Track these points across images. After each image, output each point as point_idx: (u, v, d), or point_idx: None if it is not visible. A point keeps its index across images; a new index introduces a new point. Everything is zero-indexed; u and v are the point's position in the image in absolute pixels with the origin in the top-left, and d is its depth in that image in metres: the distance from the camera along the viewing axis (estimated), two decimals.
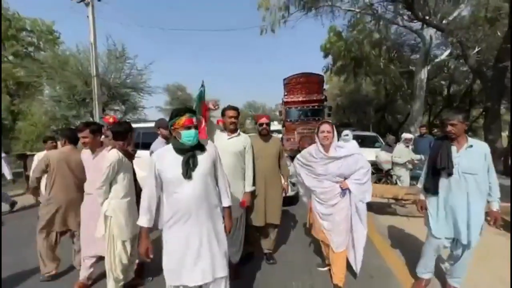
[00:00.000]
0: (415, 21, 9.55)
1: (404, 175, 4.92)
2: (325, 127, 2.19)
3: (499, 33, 7.59)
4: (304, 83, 11.37)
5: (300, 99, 11.20)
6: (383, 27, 12.94)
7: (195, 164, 1.54)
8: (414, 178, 4.97)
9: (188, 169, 1.51)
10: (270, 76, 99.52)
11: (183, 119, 1.52)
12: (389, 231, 3.80)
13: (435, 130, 13.04)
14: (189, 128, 1.52)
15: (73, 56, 10.81)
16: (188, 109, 1.62)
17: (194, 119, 1.56)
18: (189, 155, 1.54)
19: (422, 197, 2.30)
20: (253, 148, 2.55)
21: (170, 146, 1.59)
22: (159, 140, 2.78)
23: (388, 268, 2.69)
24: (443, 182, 2.08)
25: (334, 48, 13.57)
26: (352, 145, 3.99)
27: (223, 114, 2.46)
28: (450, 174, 2.03)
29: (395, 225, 4.02)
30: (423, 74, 11.39)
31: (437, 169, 2.08)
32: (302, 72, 11.42)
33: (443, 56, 12.35)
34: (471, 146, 2.01)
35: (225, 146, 2.31)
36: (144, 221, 1.58)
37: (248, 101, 45.35)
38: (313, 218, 2.38)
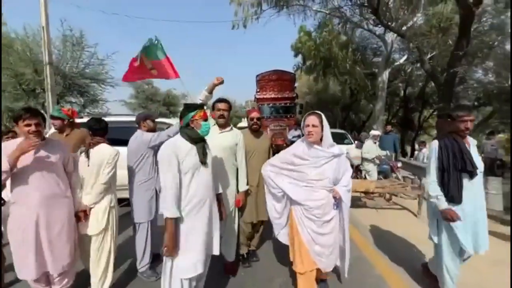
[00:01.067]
0: (379, 26, 10.18)
1: (372, 169, 5.25)
2: (311, 119, 1.80)
3: (450, 42, 8.44)
4: (276, 80, 11.51)
5: (273, 96, 11.31)
6: (349, 29, 13.64)
7: (207, 152, 1.78)
8: (380, 172, 5.36)
9: (204, 156, 1.73)
10: (241, 72, 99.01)
11: (203, 112, 1.77)
12: (361, 223, 4.03)
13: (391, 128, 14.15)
14: (206, 120, 1.76)
15: (20, 40, 9.52)
16: (201, 104, 1.96)
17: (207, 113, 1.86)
18: (203, 144, 1.78)
19: (445, 205, 1.88)
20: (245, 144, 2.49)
21: (178, 137, 1.73)
22: (142, 134, 2.51)
23: (365, 258, 2.84)
24: (466, 186, 1.88)
25: (305, 48, 13.92)
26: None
27: (213, 107, 2.35)
28: (474, 175, 1.84)
29: (366, 216, 4.27)
30: (385, 76, 12.29)
31: (458, 173, 1.86)
32: (275, 70, 11.54)
33: (402, 61, 13.43)
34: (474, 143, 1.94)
35: (216, 141, 2.21)
36: (174, 211, 1.60)
37: (218, 97, 44.39)
38: (297, 248, 1.86)
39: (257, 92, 11.74)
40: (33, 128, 1.69)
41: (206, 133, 1.76)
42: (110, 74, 11.05)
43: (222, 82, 2.29)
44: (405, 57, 13.39)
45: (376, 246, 3.20)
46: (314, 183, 1.80)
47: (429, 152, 2.05)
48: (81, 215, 1.99)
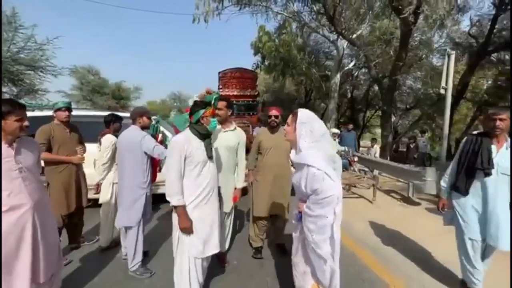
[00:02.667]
0: (333, 32, 11.12)
1: None
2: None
3: (391, 52, 9.75)
4: (239, 78, 11.66)
5: (235, 93, 11.43)
6: (306, 33, 14.55)
7: (212, 148, 1.89)
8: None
9: (211, 151, 1.85)
10: (198, 67, 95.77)
11: (211, 109, 1.88)
12: None
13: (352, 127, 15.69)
14: (214, 116, 1.91)
15: None
16: (209, 102, 2.06)
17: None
18: (210, 140, 1.88)
19: (443, 195, 2.21)
20: (260, 143, 2.66)
21: (188, 132, 1.83)
22: (136, 129, 2.45)
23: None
24: (476, 182, 1.96)
25: (265, 48, 14.34)
26: None
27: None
28: (488, 174, 1.90)
29: None
30: (337, 79, 13.48)
31: (472, 168, 1.95)
32: (237, 67, 11.68)
33: (350, 66, 14.91)
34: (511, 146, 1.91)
35: (219, 139, 2.29)
36: (180, 199, 1.73)
37: (172, 91, 42.34)
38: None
39: (219, 88, 11.72)
40: (26, 122, 1.56)
41: (214, 128, 1.91)
42: (52, 61, 9.74)
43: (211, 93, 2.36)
44: (353, 63, 14.90)
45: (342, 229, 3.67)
46: None
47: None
48: (96, 188, 2.87)
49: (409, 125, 16.27)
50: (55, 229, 1.83)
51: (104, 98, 18.44)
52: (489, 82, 11.75)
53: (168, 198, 1.73)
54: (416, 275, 2.53)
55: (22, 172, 1.52)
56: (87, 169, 3.05)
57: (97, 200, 3.78)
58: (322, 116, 20.65)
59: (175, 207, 1.74)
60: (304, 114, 1.62)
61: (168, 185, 1.72)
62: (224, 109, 2.38)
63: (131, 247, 2.36)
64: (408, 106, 15.25)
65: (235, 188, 2.52)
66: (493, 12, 9.32)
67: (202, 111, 1.81)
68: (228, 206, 2.40)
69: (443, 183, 2.21)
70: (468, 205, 2.01)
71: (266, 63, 17.22)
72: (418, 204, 4.60)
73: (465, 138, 2.11)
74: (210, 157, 1.83)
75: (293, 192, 1.94)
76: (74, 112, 4.11)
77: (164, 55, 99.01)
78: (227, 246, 2.61)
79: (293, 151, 1.66)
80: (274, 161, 2.62)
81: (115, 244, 2.92)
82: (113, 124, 2.96)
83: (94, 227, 3.46)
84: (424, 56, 11.86)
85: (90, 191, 2.99)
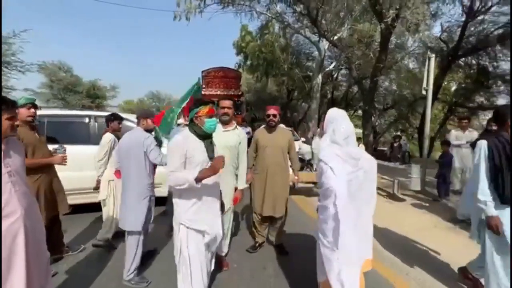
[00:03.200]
0: (316, 34, 11.34)
1: None
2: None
3: (371, 55, 10.12)
4: (222, 77, 11.52)
5: (219, 92, 11.27)
6: (288, 34, 14.72)
7: (213, 149, 1.82)
8: None
9: (212, 151, 1.79)
10: (178, 65, 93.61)
11: (207, 108, 1.75)
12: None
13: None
14: (211, 116, 1.75)
15: None
16: (210, 101, 1.87)
17: (214, 109, 1.83)
18: (211, 140, 1.82)
19: (494, 213, 1.77)
20: (257, 142, 2.62)
21: (187, 133, 1.75)
22: (139, 130, 2.44)
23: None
24: None
25: (249, 48, 14.32)
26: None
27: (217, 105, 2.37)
28: None
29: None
30: (319, 79, 13.79)
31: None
32: (221, 67, 11.54)
33: (331, 67, 15.31)
34: None
35: (219, 139, 2.21)
36: (193, 174, 1.59)
37: (151, 90, 40.96)
38: None
39: (202, 88, 11.54)
40: (17, 122, 1.42)
41: (210, 130, 1.74)
42: (19, 57, 9.02)
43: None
44: (333, 64, 15.31)
45: None
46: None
47: (476, 152, 1.90)
48: (96, 183, 2.97)
49: (388, 124, 17.01)
50: (44, 236, 1.66)
51: (77, 97, 17.35)
52: (458, 84, 12.61)
53: (183, 187, 1.59)
54: (414, 271, 2.62)
55: (11, 176, 1.37)
56: (67, 172, 2.87)
57: (80, 205, 3.58)
58: (303, 117, 21.08)
59: (197, 180, 1.57)
60: (330, 114, 1.72)
61: (174, 180, 1.61)
62: (231, 108, 2.35)
63: (130, 254, 2.23)
64: (385, 107, 15.95)
65: (236, 189, 2.46)
66: (463, 19, 10.04)
67: (195, 110, 1.73)
68: (226, 206, 2.33)
69: (484, 197, 1.80)
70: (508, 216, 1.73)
71: (249, 62, 17.24)
72: (403, 200, 4.80)
73: (485, 143, 1.84)
74: (211, 157, 1.75)
75: (292, 192, 2.03)
76: (43, 112, 3.88)
77: (143, 52, 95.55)
78: (226, 250, 2.53)
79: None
80: (271, 160, 2.63)
81: (108, 248, 2.85)
82: (111, 123, 3.01)
83: (79, 235, 3.23)
84: (399, 59, 12.48)
85: (69, 196, 2.82)
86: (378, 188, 5.69)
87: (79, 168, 3.41)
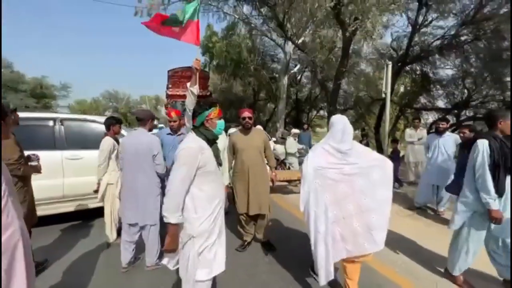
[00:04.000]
0: (282, 37, 11.75)
1: (294, 161, 6.25)
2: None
3: (333, 60, 10.85)
4: (190, 77, 11.19)
5: (186, 93, 11.03)
6: (255, 36, 14.97)
7: (218, 154, 1.77)
8: (301, 163, 6.47)
9: (219, 158, 1.74)
10: (138, 64, 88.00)
11: (218, 109, 1.71)
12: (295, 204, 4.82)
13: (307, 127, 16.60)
14: (220, 118, 1.74)
15: None
16: (216, 101, 1.87)
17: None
18: (216, 145, 1.75)
19: (496, 206, 2.00)
20: (233, 145, 2.73)
21: (198, 139, 1.62)
22: (144, 131, 2.56)
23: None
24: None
25: (216, 48, 14.21)
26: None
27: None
28: None
29: (294, 199, 5.09)
30: (285, 81, 14.30)
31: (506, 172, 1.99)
32: (189, 66, 11.25)
33: (295, 69, 15.98)
34: None
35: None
36: (177, 218, 1.50)
37: (107, 90, 37.97)
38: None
39: (168, 88, 11.13)
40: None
41: (220, 133, 1.74)
42: None
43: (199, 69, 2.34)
44: (297, 67, 16.01)
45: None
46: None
47: (478, 151, 2.06)
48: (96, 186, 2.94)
49: (352, 124, 18.25)
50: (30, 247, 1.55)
51: (19, 96, 15.30)
52: (405, 88, 14.16)
53: (165, 214, 1.47)
54: (393, 256, 2.94)
55: (4, 185, 1.26)
56: (41, 181, 2.70)
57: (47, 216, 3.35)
58: (270, 117, 21.60)
59: (171, 224, 1.47)
60: (331, 119, 2.03)
61: (170, 197, 1.47)
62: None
63: (154, 242, 2.48)
64: (345, 108, 17.15)
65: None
66: (409, 30, 11.34)
67: (207, 113, 1.65)
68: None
69: (491, 194, 2.00)
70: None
71: (215, 63, 17.09)
72: None
73: (487, 142, 2.05)
74: (220, 164, 1.76)
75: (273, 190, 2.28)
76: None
77: (99, 49, 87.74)
78: None
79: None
80: (250, 162, 2.75)
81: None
82: (113, 127, 3.02)
83: (43, 247, 2.98)
84: (355, 64, 13.58)
85: (39, 206, 2.79)
86: None
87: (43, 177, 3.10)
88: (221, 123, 1.74)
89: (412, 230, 3.55)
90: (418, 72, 13.17)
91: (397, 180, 5.40)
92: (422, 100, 14.03)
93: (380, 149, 11.39)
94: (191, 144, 1.57)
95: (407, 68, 12.77)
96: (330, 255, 1.84)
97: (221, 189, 1.73)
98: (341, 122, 1.95)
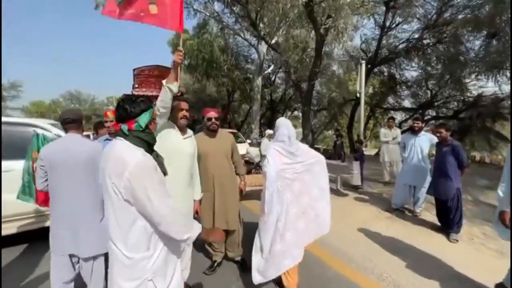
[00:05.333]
0: (256, 37, 11.50)
1: None
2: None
3: (307, 60, 10.83)
4: (158, 76, 10.49)
5: (154, 93, 10.24)
6: (227, 35, 14.58)
7: (163, 162, 1.44)
8: None
9: (164, 167, 1.41)
10: (102, 64, 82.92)
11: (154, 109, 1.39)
12: None
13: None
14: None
15: None
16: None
17: None
18: (156, 152, 1.44)
19: (507, 207, 1.93)
20: (197, 150, 2.24)
21: (134, 148, 1.20)
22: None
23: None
24: None
25: (187, 46, 13.56)
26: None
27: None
28: None
29: None
30: (259, 81, 14.09)
31: None
32: (156, 65, 10.54)
33: (269, 70, 15.85)
34: None
35: (183, 147, 1.90)
36: (199, 226, 1.32)
37: (69, 90, 35.17)
38: None
39: (134, 87, 10.33)
40: None
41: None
42: None
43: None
44: (271, 67, 15.90)
45: None
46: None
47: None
48: None
49: (325, 123, 18.55)
50: None
51: None
52: (373, 89, 14.69)
53: (188, 235, 1.21)
54: (375, 264, 2.75)
55: None
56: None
57: None
58: (245, 118, 21.28)
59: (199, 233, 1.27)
60: (277, 121, 2.19)
61: (174, 219, 1.17)
62: (189, 111, 2.03)
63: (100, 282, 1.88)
64: (318, 108, 17.39)
65: (194, 201, 2.17)
66: (377, 32, 11.71)
67: (152, 110, 1.28)
68: None
69: (501, 193, 1.99)
70: None
71: (187, 62, 16.38)
72: (346, 195, 5.19)
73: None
74: (165, 174, 1.32)
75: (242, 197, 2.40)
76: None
77: (57, 46, 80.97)
78: (187, 275, 2.17)
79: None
80: (216, 169, 2.37)
81: None
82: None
83: None
84: (327, 65, 13.78)
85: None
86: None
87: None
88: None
89: (393, 232, 3.43)
90: (385, 74, 13.72)
91: (362, 180, 5.37)
92: (390, 100, 14.67)
93: (353, 149, 11.60)
94: (138, 155, 1.15)
95: (375, 70, 13.25)
96: (282, 254, 2.01)
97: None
98: (284, 126, 2.09)
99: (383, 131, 5.49)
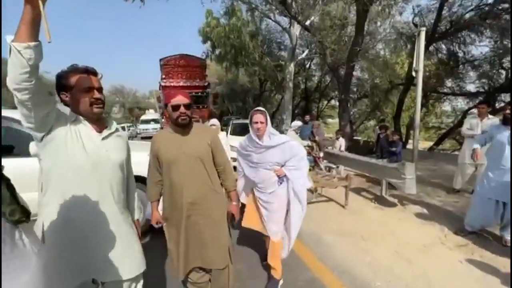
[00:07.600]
0: (287, 16, 10.34)
1: None
2: (258, 117, 2.02)
3: (346, 39, 9.40)
4: (184, 66, 10.23)
5: (181, 84, 9.97)
6: (257, 18, 13.59)
7: None
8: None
9: None
10: (143, 58, 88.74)
11: None
12: None
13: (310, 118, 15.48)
14: None
15: None
16: None
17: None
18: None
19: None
20: (158, 154, 1.59)
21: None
22: None
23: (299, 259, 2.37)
24: None
25: (214, 34, 12.96)
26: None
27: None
28: None
29: None
30: (291, 68, 12.93)
31: None
32: (182, 54, 10.22)
33: (303, 55, 14.51)
34: None
35: (99, 152, 1.20)
36: None
37: (113, 85, 37.85)
38: (249, 209, 2.30)
39: (162, 78, 10.12)
40: None
41: None
42: None
43: None
44: (305, 53, 14.53)
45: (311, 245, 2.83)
46: (257, 165, 2.11)
47: None
48: None
49: (366, 113, 16.77)
50: None
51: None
52: (429, 70, 12.45)
53: None
54: None
55: None
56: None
57: None
58: (277, 108, 20.27)
59: None
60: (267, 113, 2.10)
61: None
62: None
63: None
64: (358, 96, 15.60)
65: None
66: (434, 2, 9.64)
67: None
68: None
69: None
70: None
71: (217, 51, 15.86)
72: (394, 205, 4.04)
73: None
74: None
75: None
76: None
77: (96, 41, 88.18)
78: None
79: (265, 138, 2.03)
80: (185, 181, 1.55)
81: None
82: None
83: None
84: (369, 43, 11.94)
85: None
86: (362, 189, 4.92)
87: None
88: None
89: (466, 274, 2.33)
90: (444, 52, 11.46)
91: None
92: (449, 84, 12.32)
93: (388, 142, 9.92)
94: None
95: (431, 48, 11.10)
96: None
97: None
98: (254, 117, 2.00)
99: (470, 120, 4.05)
